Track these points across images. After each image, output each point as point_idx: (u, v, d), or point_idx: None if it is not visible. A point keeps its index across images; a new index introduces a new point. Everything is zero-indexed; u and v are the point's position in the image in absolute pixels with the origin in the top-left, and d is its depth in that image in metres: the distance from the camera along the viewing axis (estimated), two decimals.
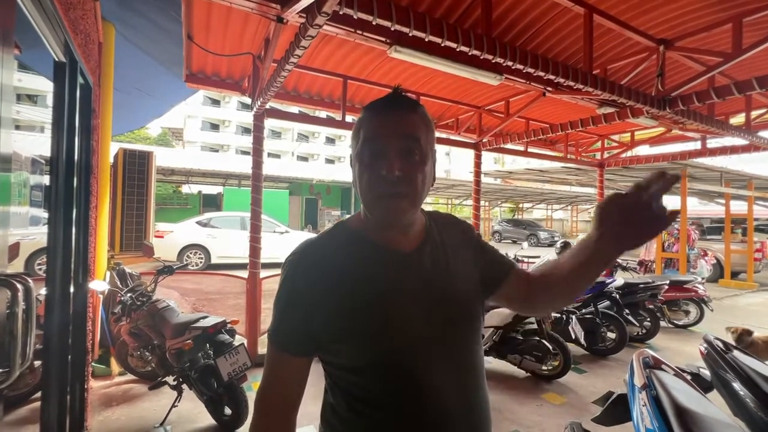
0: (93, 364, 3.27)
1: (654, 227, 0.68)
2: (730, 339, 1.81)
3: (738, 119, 5.31)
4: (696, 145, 6.23)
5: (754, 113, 4.99)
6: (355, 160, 0.77)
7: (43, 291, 1.81)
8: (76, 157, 2.02)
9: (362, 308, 0.73)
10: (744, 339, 1.89)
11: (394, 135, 0.73)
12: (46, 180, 1.82)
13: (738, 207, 9.54)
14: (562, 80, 2.90)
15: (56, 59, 1.72)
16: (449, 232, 0.87)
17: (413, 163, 0.73)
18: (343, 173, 21.08)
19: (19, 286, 1.05)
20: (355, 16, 2.13)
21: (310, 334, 0.74)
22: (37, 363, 1.85)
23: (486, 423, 0.79)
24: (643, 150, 7.46)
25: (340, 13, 2.09)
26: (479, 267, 0.87)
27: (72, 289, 1.97)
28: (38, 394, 1.74)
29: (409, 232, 0.81)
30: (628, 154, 7.17)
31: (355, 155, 0.77)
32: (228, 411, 2.61)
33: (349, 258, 0.77)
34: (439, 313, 0.76)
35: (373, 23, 2.19)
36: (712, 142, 6.11)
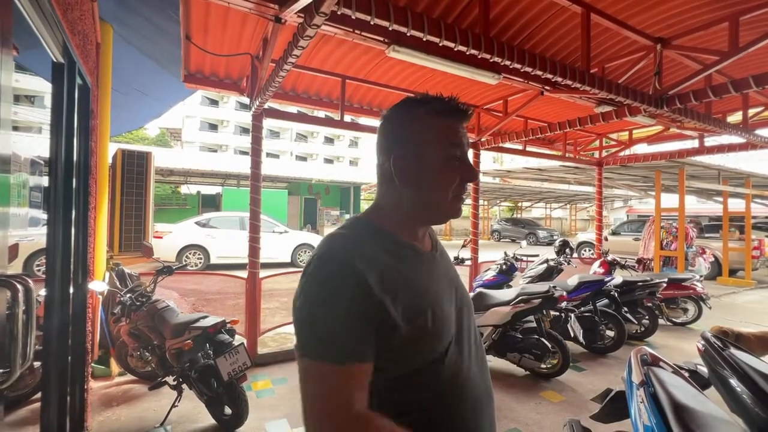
0: (93, 364, 3.27)
1: None
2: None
3: (735, 117, 5.33)
4: (694, 144, 6.26)
5: (752, 111, 5.01)
6: (431, 158, 0.75)
7: (42, 292, 1.81)
8: (74, 158, 2.02)
9: (418, 308, 0.72)
10: (737, 338, 1.89)
11: (467, 143, 0.81)
12: (44, 181, 1.83)
13: (736, 205, 9.56)
14: (559, 79, 2.91)
15: (54, 60, 1.71)
16: (433, 234, 0.94)
17: None
18: (342, 173, 21.08)
19: (19, 286, 1.05)
20: (353, 16, 2.14)
21: (370, 339, 0.66)
22: (37, 364, 1.86)
23: (493, 399, 0.88)
24: (641, 148, 7.49)
25: (338, 13, 2.10)
26: None
27: (71, 290, 1.97)
28: (38, 395, 1.75)
29: (427, 233, 0.88)
30: (627, 152, 7.20)
31: (436, 156, 0.76)
32: (228, 411, 2.62)
33: (392, 256, 0.74)
34: (462, 308, 0.83)
35: (371, 23, 2.20)
36: (710, 140, 6.14)
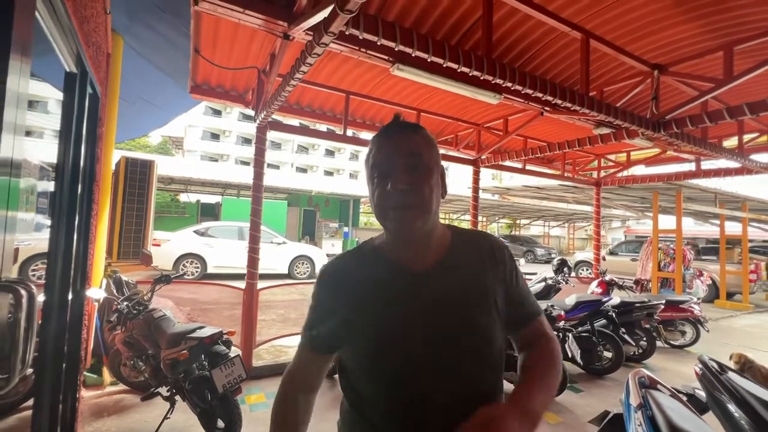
0: (85, 373, 3.23)
1: None
2: (731, 364, 1.82)
3: (731, 142, 5.42)
4: (690, 167, 6.34)
5: (747, 137, 5.10)
6: (368, 184, 0.86)
7: (40, 297, 1.81)
8: (81, 164, 2.04)
9: (367, 324, 0.80)
10: (746, 367, 1.89)
11: (398, 155, 0.81)
12: (49, 186, 1.84)
13: (733, 228, 9.63)
14: (559, 101, 2.97)
15: (68, 70, 1.75)
16: (474, 250, 0.87)
17: (418, 176, 0.79)
18: (342, 185, 21.16)
19: (23, 292, 1.06)
20: (360, 36, 2.20)
21: (328, 337, 0.86)
22: (30, 370, 1.83)
23: None
24: (639, 170, 7.58)
25: (347, 33, 2.16)
26: (501, 303, 0.84)
27: (70, 296, 1.97)
28: (29, 402, 1.72)
29: (426, 248, 0.83)
30: (625, 173, 7.27)
31: (368, 179, 0.86)
32: (221, 424, 2.57)
33: (365, 275, 0.85)
34: (441, 335, 0.77)
35: (378, 43, 2.26)
36: (707, 164, 6.22)
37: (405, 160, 0.80)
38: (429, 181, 0.80)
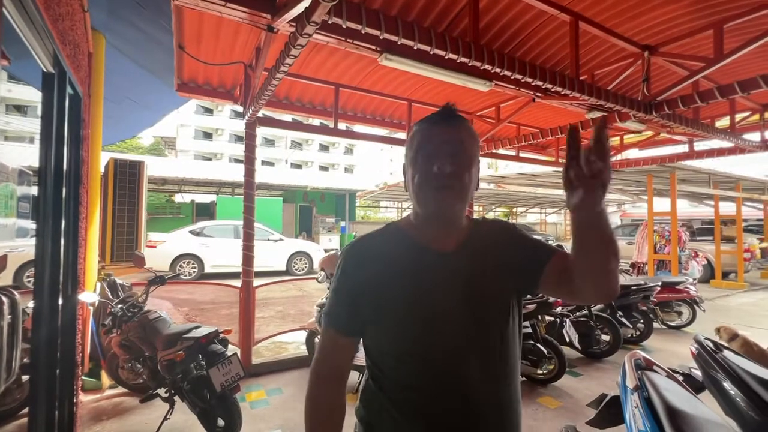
0: (83, 377, 3.21)
1: (599, 176, 0.68)
2: (718, 339, 1.83)
3: (723, 122, 5.42)
4: (684, 148, 6.34)
5: (738, 116, 5.10)
6: (409, 166, 0.89)
7: (31, 304, 1.78)
8: (65, 167, 2.00)
9: (394, 300, 0.83)
10: (732, 340, 1.90)
11: (444, 141, 0.85)
12: (33, 191, 1.80)
13: (727, 208, 9.68)
14: (550, 86, 2.95)
15: (45, 70, 1.71)
16: (493, 235, 0.93)
17: (460, 162, 0.84)
18: (337, 180, 21.09)
19: (4, 299, 1.04)
20: (344, 25, 2.16)
21: (355, 317, 0.87)
22: (25, 377, 1.81)
23: (515, 420, 0.85)
24: (633, 153, 7.57)
25: (329, 22, 2.12)
26: (519, 259, 0.88)
27: (60, 301, 1.94)
28: (26, 410, 1.71)
29: (452, 232, 0.89)
30: (618, 157, 7.27)
31: (410, 161, 0.89)
32: (221, 422, 2.57)
33: (391, 253, 0.88)
34: (471, 313, 0.82)
35: (363, 32, 2.22)
36: (700, 145, 6.22)
37: (451, 146, 0.84)
38: (470, 169, 0.85)
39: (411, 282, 0.83)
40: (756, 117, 5.23)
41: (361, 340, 0.91)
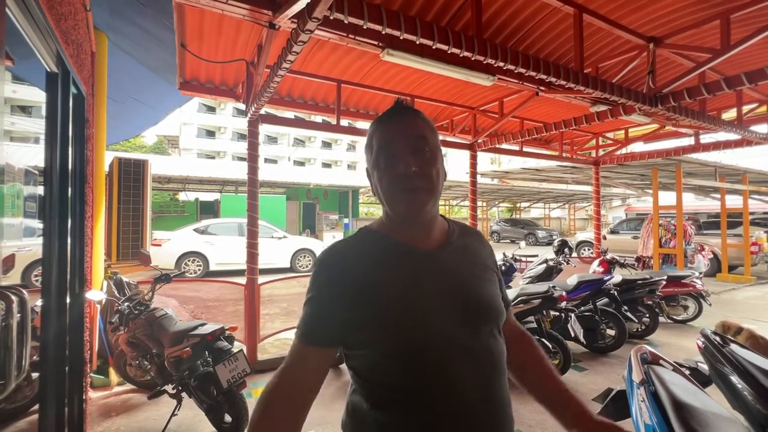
0: (91, 374, 3.25)
1: None
2: (724, 333, 1.82)
3: (730, 114, 5.36)
4: (689, 141, 6.27)
5: (746, 108, 5.04)
6: (372, 169, 0.85)
7: (39, 302, 1.80)
8: (70, 166, 2.01)
9: (381, 302, 0.77)
10: (735, 334, 1.89)
11: (404, 138, 0.81)
12: (39, 191, 1.82)
13: (733, 201, 9.59)
14: (554, 80, 2.92)
15: (48, 70, 1.71)
16: (471, 239, 0.93)
17: (426, 159, 0.80)
18: (340, 177, 21.09)
19: (13, 297, 1.05)
20: (345, 21, 2.14)
21: (333, 327, 0.79)
22: (35, 375, 1.84)
23: (507, 420, 0.81)
24: (638, 147, 7.50)
25: (331, 18, 2.11)
26: (497, 282, 0.91)
27: (68, 300, 1.97)
28: (36, 407, 1.73)
29: (431, 230, 0.86)
30: (623, 151, 7.21)
31: (372, 164, 0.85)
32: (228, 418, 2.60)
33: (370, 256, 0.82)
34: (461, 311, 0.79)
35: (364, 27, 2.21)
36: (706, 138, 6.15)
37: (413, 143, 0.81)
38: (435, 163, 0.82)
39: (404, 281, 0.79)
40: (763, 108, 5.17)
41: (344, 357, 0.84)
